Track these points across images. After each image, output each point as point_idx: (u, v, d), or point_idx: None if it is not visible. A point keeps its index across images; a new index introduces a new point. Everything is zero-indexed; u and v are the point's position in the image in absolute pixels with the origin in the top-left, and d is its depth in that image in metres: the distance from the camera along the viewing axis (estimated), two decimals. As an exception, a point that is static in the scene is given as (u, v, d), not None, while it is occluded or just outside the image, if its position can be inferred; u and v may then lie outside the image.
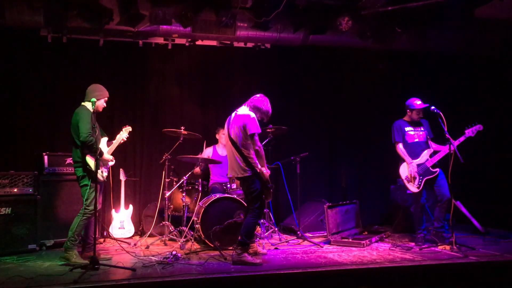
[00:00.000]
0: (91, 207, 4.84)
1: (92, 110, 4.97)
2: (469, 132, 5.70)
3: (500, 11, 6.62)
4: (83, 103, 5.09)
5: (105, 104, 5.19)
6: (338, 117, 7.92)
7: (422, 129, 5.98)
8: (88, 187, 4.87)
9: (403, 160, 5.93)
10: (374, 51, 7.46)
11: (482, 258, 5.02)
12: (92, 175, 4.86)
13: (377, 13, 6.52)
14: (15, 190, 5.49)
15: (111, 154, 5.26)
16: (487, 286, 4.72)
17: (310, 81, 7.84)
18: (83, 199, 4.91)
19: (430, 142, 5.97)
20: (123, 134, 5.43)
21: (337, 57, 7.77)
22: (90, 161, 4.89)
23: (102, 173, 5.06)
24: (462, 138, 5.70)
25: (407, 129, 5.97)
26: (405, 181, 5.92)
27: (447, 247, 5.47)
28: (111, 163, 5.25)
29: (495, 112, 7.54)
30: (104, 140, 5.25)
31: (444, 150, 5.72)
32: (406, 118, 6.05)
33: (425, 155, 5.83)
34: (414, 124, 5.99)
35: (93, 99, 4.86)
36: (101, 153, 5.02)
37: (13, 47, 6.54)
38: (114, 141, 5.34)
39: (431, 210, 6.17)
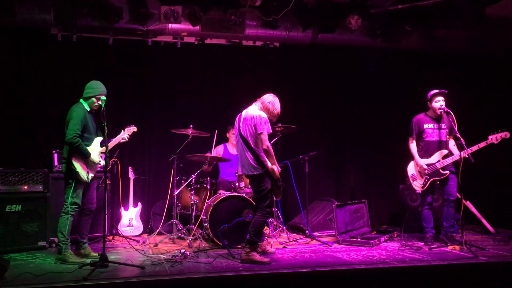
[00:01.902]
0: (74, 206, 4.85)
1: (88, 109, 4.97)
2: (493, 138, 5.54)
3: (512, 9, 6.56)
4: (80, 100, 5.04)
5: (100, 102, 4.97)
6: (346, 116, 7.89)
7: (443, 126, 5.81)
8: (72, 188, 4.83)
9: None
10: (383, 50, 7.42)
11: (492, 258, 4.98)
12: (76, 176, 4.84)
13: (386, 11, 6.50)
14: (25, 187, 5.53)
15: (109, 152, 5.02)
16: (497, 287, 4.68)
17: (318, 80, 7.83)
18: (65, 197, 4.88)
19: (450, 141, 5.81)
20: (124, 134, 5.23)
21: (346, 56, 7.74)
22: (75, 162, 4.83)
23: (88, 175, 4.91)
24: (482, 144, 5.56)
25: (426, 126, 5.84)
26: (410, 179, 5.89)
27: (457, 247, 5.43)
28: (102, 163, 5.01)
29: (506, 111, 7.46)
30: (98, 140, 5.06)
31: (455, 156, 5.61)
32: (428, 112, 5.91)
33: (437, 156, 5.76)
34: (436, 120, 5.84)
35: (103, 97, 4.86)
36: (88, 154, 4.88)
37: (23, 46, 6.59)
38: (113, 139, 5.17)
39: (441, 210, 6.13)
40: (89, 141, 4.96)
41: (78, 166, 4.84)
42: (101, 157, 5.03)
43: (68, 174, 4.87)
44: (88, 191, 5.07)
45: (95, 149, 5.01)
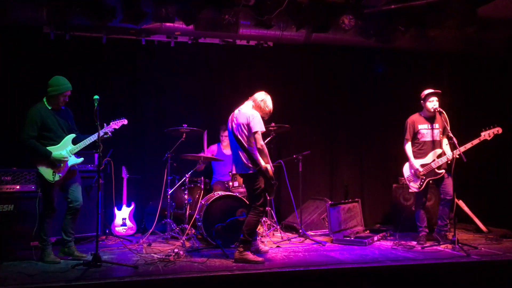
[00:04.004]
0: (49, 209, 4.89)
1: (49, 107, 4.90)
2: (486, 134, 5.54)
3: (504, 10, 6.59)
4: (43, 99, 4.96)
5: (66, 99, 4.94)
6: (340, 116, 7.91)
7: (436, 126, 5.82)
8: (43, 192, 4.89)
9: None
10: (377, 49, 7.45)
11: (484, 257, 5.02)
12: (42, 179, 4.84)
13: (380, 11, 6.51)
14: (18, 187, 5.48)
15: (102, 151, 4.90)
16: (489, 285, 4.72)
17: (312, 79, 7.84)
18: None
19: (443, 140, 5.80)
20: (107, 129, 5.04)
21: (340, 56, 7.76)
22: (39, 165, 4.80)
23: (54, 175, 4.82)
24: (476, 141, 5.57)
25: (420, 126, 5.85)
26: (407, 180, 5.91)
27: (450, 246, 5.47)
28: (75, 161, 4.97)
29: (499, 111, 7.51)
30: (69, 137, 4.98)
31: (449, 155, 5.61)
32: (422, 112, 5.92)
33: (431, 155, 5.77)
34: (430, 119, 5.85)
35: (96, 96, 4.81)
36: (47, 153, 4.79)
37: (16, 44, 6.53)
38: (93, 136, 4.94)
39: (433, 209, 6.16)
40: (54, 140, 4.89)
41: (42, 169, 4.81)
42: (74, 155, 4.98)
43: (37, 178, 4.91)
44: (70, 189, 5.02)
45: (64, 147, 4.93)
